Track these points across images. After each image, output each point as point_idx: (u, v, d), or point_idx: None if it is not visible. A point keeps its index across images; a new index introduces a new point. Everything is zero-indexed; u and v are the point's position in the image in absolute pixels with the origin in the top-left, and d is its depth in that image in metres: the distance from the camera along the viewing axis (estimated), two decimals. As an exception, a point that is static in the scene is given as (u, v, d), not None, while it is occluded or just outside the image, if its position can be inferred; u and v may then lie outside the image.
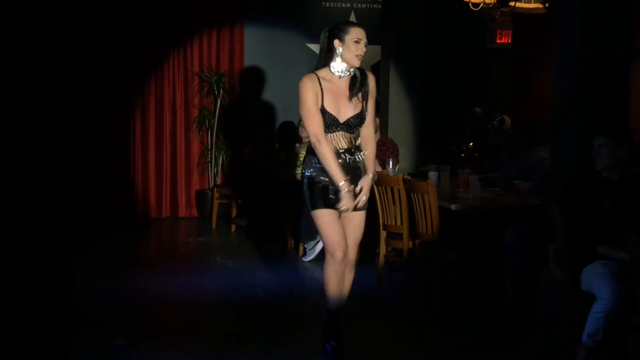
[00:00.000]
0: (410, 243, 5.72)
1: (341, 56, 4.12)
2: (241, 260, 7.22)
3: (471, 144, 8.66)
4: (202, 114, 9.63)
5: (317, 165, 4.17)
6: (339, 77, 4.17)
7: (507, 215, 5.65)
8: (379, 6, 9.89)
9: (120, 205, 9.55)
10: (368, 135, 4.31)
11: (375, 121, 5.15)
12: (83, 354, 4.52)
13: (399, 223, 5.74)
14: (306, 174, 4.22)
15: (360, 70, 4.22)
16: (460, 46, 10.59)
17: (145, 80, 9.61)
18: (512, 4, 7.93)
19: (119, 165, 9.57)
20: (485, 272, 5.64)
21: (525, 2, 7.95)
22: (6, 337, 4.54)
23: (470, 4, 8.30)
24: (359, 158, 4.24)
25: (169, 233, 9.15)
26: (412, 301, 5.75)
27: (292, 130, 9.17)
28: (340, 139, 4.18)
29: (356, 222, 4.31)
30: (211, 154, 9.67)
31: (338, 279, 4.26)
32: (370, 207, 4.58)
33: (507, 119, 8.56)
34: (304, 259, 7.19)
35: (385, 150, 7.15)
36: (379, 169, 6.68)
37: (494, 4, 8.11)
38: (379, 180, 5.69)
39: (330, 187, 4.16)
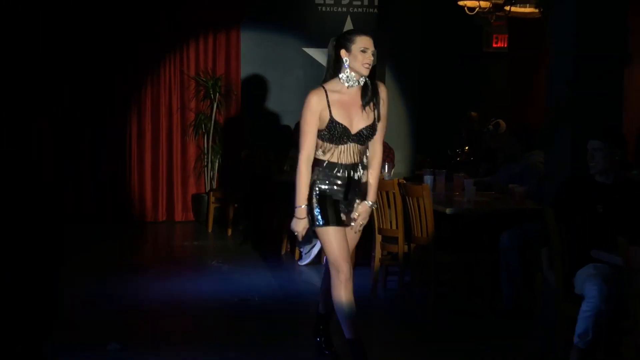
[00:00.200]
0: (406, 247, 5.73)
1: (349, 66, 4.07)
2: (237, 264, 7.22)
3: (467, 147, 8.68)
4: (198, 117, 9.64)
5: (325, 176, 4.11)
6: (347, 87, 4.10)
7: (502, 218, 5.67)
8: (375, 10, 9.91)
9: (117, 209, 9.54)
10: (374, 153, 4.22)
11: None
12: (77, 358, 4.52)
13: (394, 227, 5.76)
14: (318, 186, 4.12)
15: (371, 80, 4.15)
16: (456, 50, 10.62)
17: (142, 84, 9.61)
18: (507, 8, 7.95)
19: (115, 169, 9.57)
20: (481, 276, 5.64)
21: (520, 7, 7.97)
22: None
23: (465, 8, 8.33)
24: (363, 174, 4.18)
25: (165, 237, 9.14)
26: (408, 305, 5.76)
27: (288, 135, 9.18)
28: (351, 152, 4.11)
29: (353, 233, 4.27)
30: (207, 158, 9.68)
31: (350, 300, 4.10)
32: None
33: (502, 123, 8.57)
34: (299, 263, 7.19)
35: (380, 154, 7.14)
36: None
37: (490, 8, 8.14)
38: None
39: (341, 203, 4.13)
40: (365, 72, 4.07)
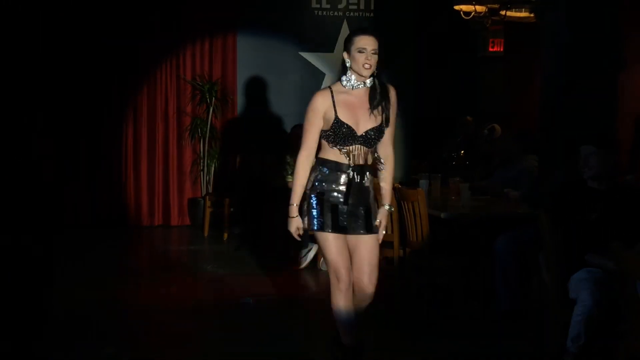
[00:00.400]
0: (401, 251, 5.74)
1: (350, 68, 3.96)
2: (232, 269, 7.22)
3: (462, 152, 8.70)
4: (194, 122, 9.64)
5: (327, 178, 3.97)
6: (352, 88, 3.99)
7: (497, 222, 5.68)
8: (372, 15, 9.92)
9: (113, 213, 9.54)
10: (386, 157, 4.11)
11: None
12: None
13: (389, 231, 5.76)
14: (315, 187, 3.99)
15: (380, 81, 4.02)
16: (452, 54, 10.64)
17: (138, 88, 9.61)
18: (502, 13, 7.99)
19: (111, 173, 9.57)
20: (476, 280, 5.65)
21: (516, 11, 8.01)
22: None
23: (461, 12, 8.37)
24: (368, 178, 4.01)
25: (161, 241, 9.14)
26: (403, 309, 5.76)
27: (284, 139, 9.17)
28: (357, 154, 3.97)
29: (370, 245, 4.02)
30: (203, 162, 9.68)
31: (348, 307, 4.00)
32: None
33: (498, 127, 8.60)
34: (295, 267, 7.18)
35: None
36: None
37: (485, 12, 8.17)
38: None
39: (341, 206, 3.97)
40: (365, 73, 3.92)
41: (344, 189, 3.97)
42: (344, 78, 3.99)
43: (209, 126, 9.59)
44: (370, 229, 4.02)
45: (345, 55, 3.98)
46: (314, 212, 3.98)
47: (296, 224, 4.01)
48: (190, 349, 4.85)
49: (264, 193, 8.13)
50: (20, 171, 8.82)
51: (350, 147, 3.95)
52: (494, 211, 5.79)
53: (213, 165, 9.69)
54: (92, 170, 9.49)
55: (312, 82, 9.59)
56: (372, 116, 3.98)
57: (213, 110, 9.60)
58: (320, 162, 4.02)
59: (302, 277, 6.95)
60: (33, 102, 9.14)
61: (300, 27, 9.86)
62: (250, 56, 9.84)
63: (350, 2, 9.90)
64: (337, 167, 3.97)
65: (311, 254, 7.09)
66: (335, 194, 3.97)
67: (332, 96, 3.96)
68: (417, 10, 9.92)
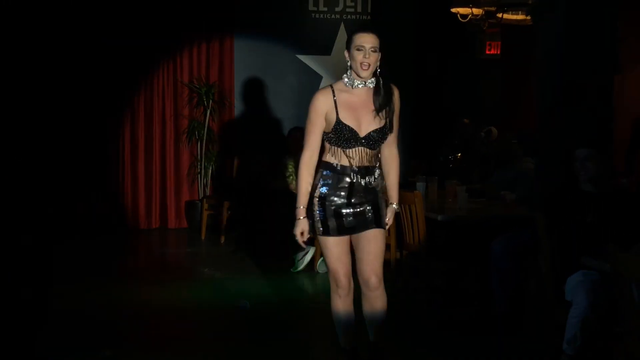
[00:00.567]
0: (398, 254, 5.74)
1: (350, 67, 3.89)
2: (229, 272, 7.22)
3: (459, 154, 8.70)
4: (191, 124, 9.64)
5: (330, 181, 3.89)
6: (352, 88, 3.90)
7: (494, 225, 5.68)
8: (369, 17, 9.93)
9: (110, 216, 9.53)
10: (391, 157, 4.04)
11: None
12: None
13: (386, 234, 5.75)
14: (319, 190, 3.91)
15: (384, 81, 3.94)
16: (449, 57, 10.65)
17: (135, 91, 9.61)
18: (499, 15, 8.00)
19: (108, 176, 9.57)
20: (473, 282, 5.65)
21: (512, 14, 8.02)
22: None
23: (458, 15, 8.37)
24: (371, 180, 3.92)
25: (158, 244, 9.14)
26: (400, 312, 5.76)
27: (282, 141, 9.18)
28: (361, 156, 3.88)
29: (371, 236, 3.95)
30: (201, 165, 9.68)
31: (347, 312, 4.01)
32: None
33: (494, 130, 8.61)
34: (292, 270, 7.19)
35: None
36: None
37: (482, 15, 8.18)
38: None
39: (343, 210, 3.90)
40: (363, 73, 3.83)
41: (347, 192, 3.90)
42: (345, 77, 3.92)
43: (206, 129, 9.59)
44: (380, 223, 3.96)
45: (346, 54, 3.93)
46: (317, 217, 3.91)
47: (302, 227, 3.91)
48: (187, 351, 4.84)
49: (261, 196, 8.13)
50: (17, 172, 8.82)
51: (353, 149, 3.87)
52: (491, 213, 5.80)
53: (210, 168, 9.70)
54: (88, 172, 9.48)
55: (310, 85, 9.60)
56: (375, 117, 3.89)
57: (210, 113, 9.61)
58: (322, 166, 3.94)
59: (298, 279, 6.95)
60: (30, 102, 9.14)
61: (298, 30, 9.87)
62: (247, 59, 9.85)
63: (347, 5, 9.92)
64: (340, 170, 3.90)
65: (308, 257, 7.10)
66: (339, 197, 3.90)
67: (334, 96, 3.87)
68: (414, 13, 9.94)
